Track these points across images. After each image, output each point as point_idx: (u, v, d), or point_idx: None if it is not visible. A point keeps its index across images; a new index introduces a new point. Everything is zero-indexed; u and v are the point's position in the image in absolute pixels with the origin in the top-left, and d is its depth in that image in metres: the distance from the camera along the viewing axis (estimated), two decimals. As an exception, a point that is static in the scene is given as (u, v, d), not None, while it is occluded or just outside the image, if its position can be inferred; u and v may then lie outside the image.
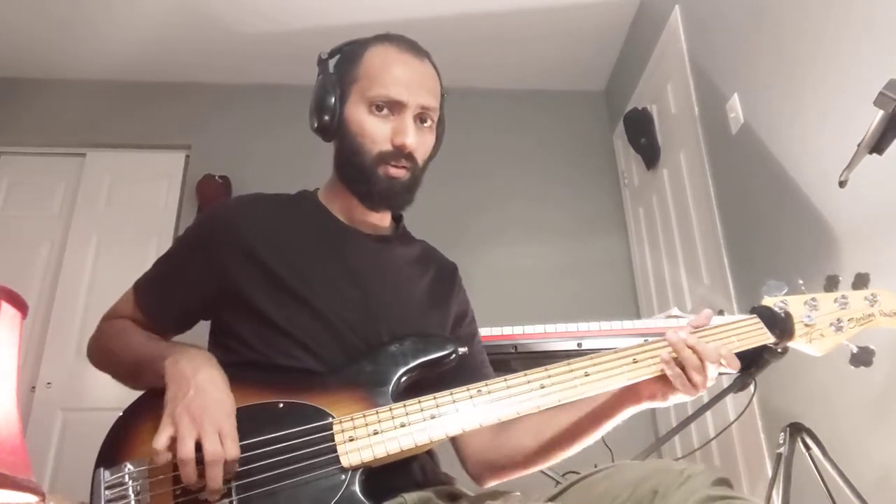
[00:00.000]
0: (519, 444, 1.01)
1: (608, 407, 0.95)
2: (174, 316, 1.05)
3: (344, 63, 1.06)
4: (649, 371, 0.90)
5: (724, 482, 0.78)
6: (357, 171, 1.02)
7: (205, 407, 0.80)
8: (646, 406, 0.94)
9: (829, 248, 1.78)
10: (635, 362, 0.91)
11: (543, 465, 1.02)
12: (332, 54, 1.08)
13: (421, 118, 1.03)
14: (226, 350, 0.98)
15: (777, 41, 2.07)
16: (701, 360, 0.89)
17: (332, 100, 1.03)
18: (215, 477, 0.77)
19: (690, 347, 0.89)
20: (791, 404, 1.96)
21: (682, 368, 0.89)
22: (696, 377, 0.88)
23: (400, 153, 1.00)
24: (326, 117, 1.03)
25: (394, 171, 1.01)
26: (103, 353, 1.05)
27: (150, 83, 3.75)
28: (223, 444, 0.78)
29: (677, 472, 0.78)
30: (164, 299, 1.05)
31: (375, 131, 1.00)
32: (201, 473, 0.78)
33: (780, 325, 1.00)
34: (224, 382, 0.86)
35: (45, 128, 3.61)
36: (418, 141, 1.02)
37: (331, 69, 1.06)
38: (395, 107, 1.01)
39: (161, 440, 0.78)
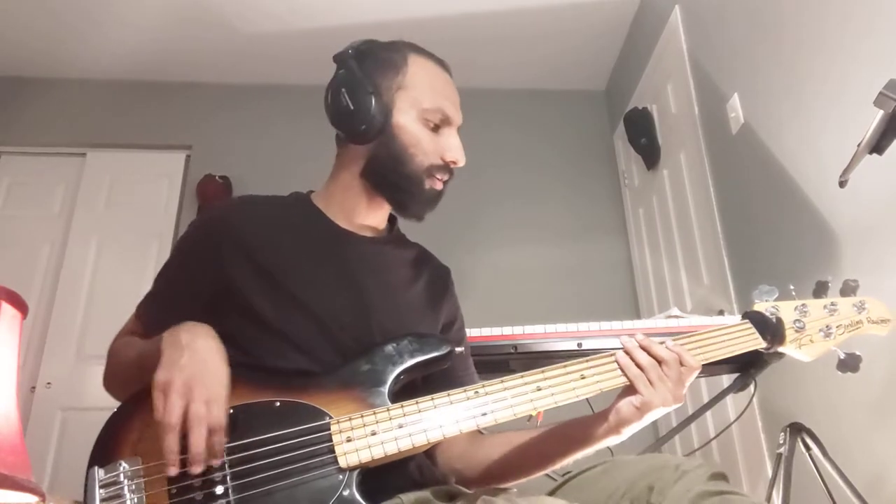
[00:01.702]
0: (486, 456, 1.01)
1: (578, 433, 0.94)
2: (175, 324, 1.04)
3: (379, 66, 1.04)
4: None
5: (720, 476, 0.78)
6: (402, 180, 1.02)
7: (195, 373, 0.80)
8: (615, 438, 0.90)
9: (829, 248, 1.78)
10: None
11: (506, 483, 1.00)
12: (356, 53, 1.05)
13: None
14: None
15: (777, 41, 2.07)
16: (657, 358, 0.89)
17: (375, 104, 1.00)
18: (198, 442, 0.76)
19: (644, 348, 0.90)
20: (791, 404, 1.96)
21: (642, 369, 0.89)
22: (652, 374, 0.88)
23: (447, 168, 1.05)
24: (366, 123, 1.00)
25: (438, 184, 1.05)
26: (113, 371, 1.03)
27: (150, 83, 3.75)
28: (209, 412, 0.78)
29: (673, 468, 0.78)
30: (165, 312, 1.02)
31: (429, 144, 1.03)
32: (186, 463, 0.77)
33: (772, 330, 1.02)
34: (220, 352, 0.85)
35: (45, 128, 3.61)
36: None
37: (356, 69, 1.03)
38: (445, 122, 1.04)
39: (158, 410, 0.77)
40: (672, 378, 0.88)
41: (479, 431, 1.05)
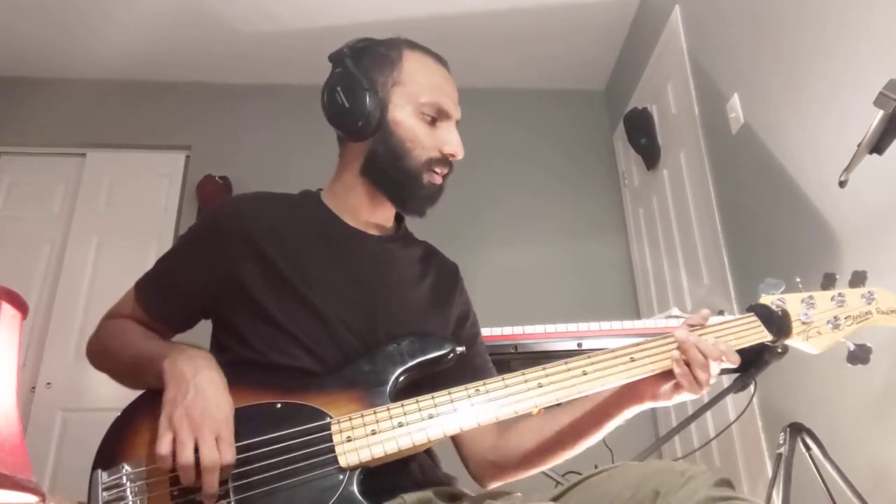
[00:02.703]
0: (520, 444, 1.01)
1: (609, 406, 0.95)
2: (175, 313, 1.04)
3: (374, 63, 1.04)
4: (646, 370, 0.90)
5: (725, 483, 0.78)
6: (402, 175, 1.03)
7: (203, 411, 0.80)
8: (648, 406, 0.94)
9: (830, 248, 1.78)
10: (632, 360, 0.91)
11: (544, 467, 1.03)
12: (352, 52, 1.05)
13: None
14: (223, 349, 0.98)
15: (777, 41, 2.07)
16: (705, 357, 0.89)
17: (371, 100, 1.01)
18: (211, 483, 0.77)
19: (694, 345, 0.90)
20: (791, 404, 1.96)
21: (688, 366, 0.89)
22: (701, 375, 0.89)
23: (446, 161, 1.05)
24: (362, 119, 1.01)
25: (437, 178, 1.05)
26: (102, 353, 1.04)
27: (150, 83, 3.75)
28: (220, 450, 0.78)
29: (679, 473, 0.78)
30: (166, 295, 1.04)
31: (426, 138, 1.03)
32: (199, 476, 0.78)
33: (778, 323, 1.00)
34: (223, 384, 0.86)
35: (45, 128, 3.61)
36: None
37: (352, 67, 1.03)
38: (442, 116, 1.04)
39: (164, 446, 0.78)
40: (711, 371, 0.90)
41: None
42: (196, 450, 0.78)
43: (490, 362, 1.13)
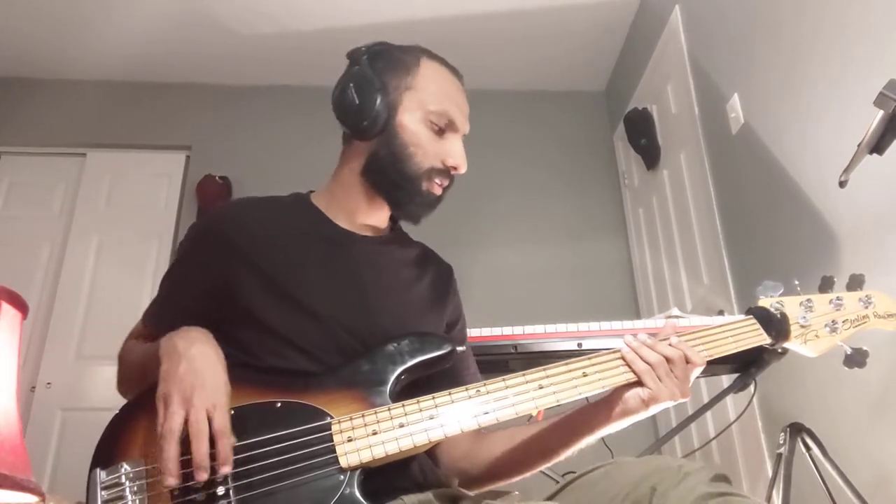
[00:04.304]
0: (490, 453, 1.01)
1: (579, 422, 0.95)
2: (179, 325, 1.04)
3: (390, 66, 1.05)
4: (627, 377, 0.91)
5: (722, 478, 0.78)
6: (401, 178, 1.02)
7: (195, 381, 0.80)
8: (615, 425, 0.92)
9: (829, 248, 1.78)
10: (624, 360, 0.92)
11: (511, 480, 1.02)
12: (370, 52, 1.06)
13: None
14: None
15: (777, 41, 2.07)
16: (665, 356, 0.89)
17: (381, 101, 1.01)
18: (200, 450, 0.76)
19: (649, 347, 0.90)
20: (791, 404, 1.96)
21: (650, 365, 0.89)
22: (660, 370, 0.89)
23: (447, 173, 1.05)
24: (369, 118, 1.01)
25: (436, 189, 1.04)
26: (122, 376, 1.04)
27: (150, 83, 3.75)
28: (213, 417, 0.78)
29: (675, 469, 0.78)
30: (170, 315, 1.02)
31: (430, 146, 1.03)
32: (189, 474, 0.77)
33: (776, 325, 1.01)
34: (218, 357, 0.86)
35: (45, 128, 3.61)
36: None
37: (367, 66, 1.04)
38: (450, 127, 1.05)
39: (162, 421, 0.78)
40: (679, 374, 0.89)
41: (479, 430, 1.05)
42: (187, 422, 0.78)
43: (475, 367, 1.13)
